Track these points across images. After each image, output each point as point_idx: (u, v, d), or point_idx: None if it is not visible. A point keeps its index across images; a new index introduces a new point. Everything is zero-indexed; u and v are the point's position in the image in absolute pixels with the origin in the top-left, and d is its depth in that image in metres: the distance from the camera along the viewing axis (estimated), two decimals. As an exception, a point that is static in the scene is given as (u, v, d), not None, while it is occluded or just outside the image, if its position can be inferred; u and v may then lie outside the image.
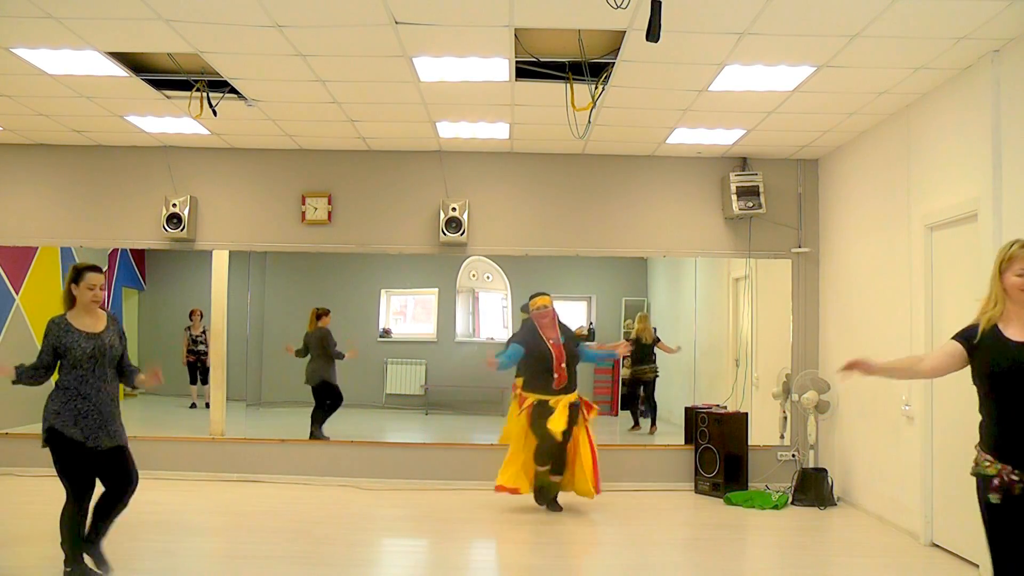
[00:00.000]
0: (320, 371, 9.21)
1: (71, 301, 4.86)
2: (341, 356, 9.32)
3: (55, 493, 7.23)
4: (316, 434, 8.93)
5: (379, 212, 8.40)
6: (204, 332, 11.23)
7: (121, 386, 5.08)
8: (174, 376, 11.49)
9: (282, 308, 11.71)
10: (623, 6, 4.41)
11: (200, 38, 5.38)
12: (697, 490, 7.97)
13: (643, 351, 9.80)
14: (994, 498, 3.33)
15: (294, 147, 8.34)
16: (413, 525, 6.72)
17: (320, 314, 9.37)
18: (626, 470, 8.19)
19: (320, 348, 9.23)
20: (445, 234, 8.18)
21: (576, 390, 7.10)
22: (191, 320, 11.32)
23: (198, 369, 11.29)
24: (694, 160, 8.37)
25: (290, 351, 9.58)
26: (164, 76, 6.25)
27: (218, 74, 6.12)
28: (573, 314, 12.00)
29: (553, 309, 7.14)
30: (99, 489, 4.88)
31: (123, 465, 4.91)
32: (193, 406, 11.25)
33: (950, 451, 5.78)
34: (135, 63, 6.05)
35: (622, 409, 10.99)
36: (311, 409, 9.20)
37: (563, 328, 7.20)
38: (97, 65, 5.92)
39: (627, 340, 7.13)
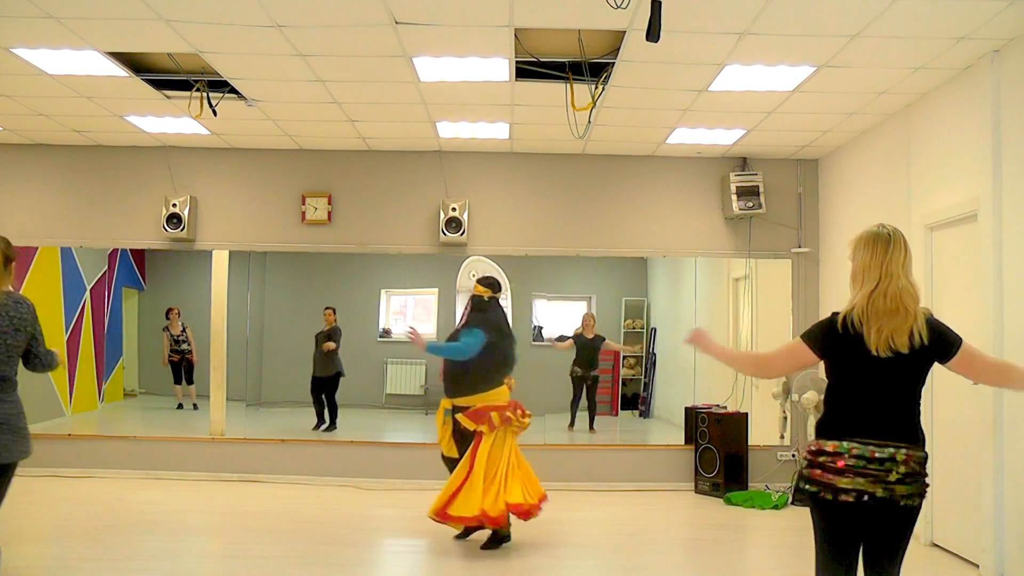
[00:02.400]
0: (340, 361, 10.03)
1: None
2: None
3: (55, 493, 7.26)
4: (332, 427, 9.54)
5: (379, 212, 8.40)
6: (184, 330, 11.21)
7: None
8: (162, 377, 11.50)
9: (282, 308, 11.72)
10: (623, 6, 4.41)
11: (200, 38, 5.38)
12: (697, 490, 7.97)
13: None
14: None
15: (294, 147, 8.34)
16: (413, 525, 6.70)
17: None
18: (626, 470, 8.20)
19: (338, 342, 10.02)
20: (445, 234, 8.18)
21: (453, 394, 5.91)
22: (168, 319, 11.27)
23: (183, 368, 11.25)
24: (694, 160, 8.37)
25: (333, 348, 10.04)
26: (164, 76, 6.25)
27: (218, 74, 6.12)
28: (573, 314, 12.01)
29: (469, 297, 6.07)
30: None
31: None
32: (180, 407, 11.22)
33: (949, 451, 5.78)
34: (135, 63, 6.05)
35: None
36: (309, 407, 9.33)
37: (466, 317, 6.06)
38: (97, 65, 5.92)
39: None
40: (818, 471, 3.12)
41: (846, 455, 3.07)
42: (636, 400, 11.80)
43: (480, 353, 5.75)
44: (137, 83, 6.32)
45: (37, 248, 8.96)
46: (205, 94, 6.44)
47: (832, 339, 3.16)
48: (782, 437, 8.19)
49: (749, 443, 7.89)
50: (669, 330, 11.23)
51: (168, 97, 6.65)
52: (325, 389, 9.87)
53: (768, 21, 4.90)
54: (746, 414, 7.98)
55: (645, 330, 11.97)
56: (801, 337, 3.28)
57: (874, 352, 3.07)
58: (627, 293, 12.07)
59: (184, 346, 11.25)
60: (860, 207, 7.43)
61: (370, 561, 5.85)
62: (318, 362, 10.01)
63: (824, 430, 3.18)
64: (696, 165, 8.38)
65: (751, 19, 4.89)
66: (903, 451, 3.06)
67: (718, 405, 8.28)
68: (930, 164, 6.16)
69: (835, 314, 3.24)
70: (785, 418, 8.17)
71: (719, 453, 7.80)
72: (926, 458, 3.15)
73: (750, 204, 8.04)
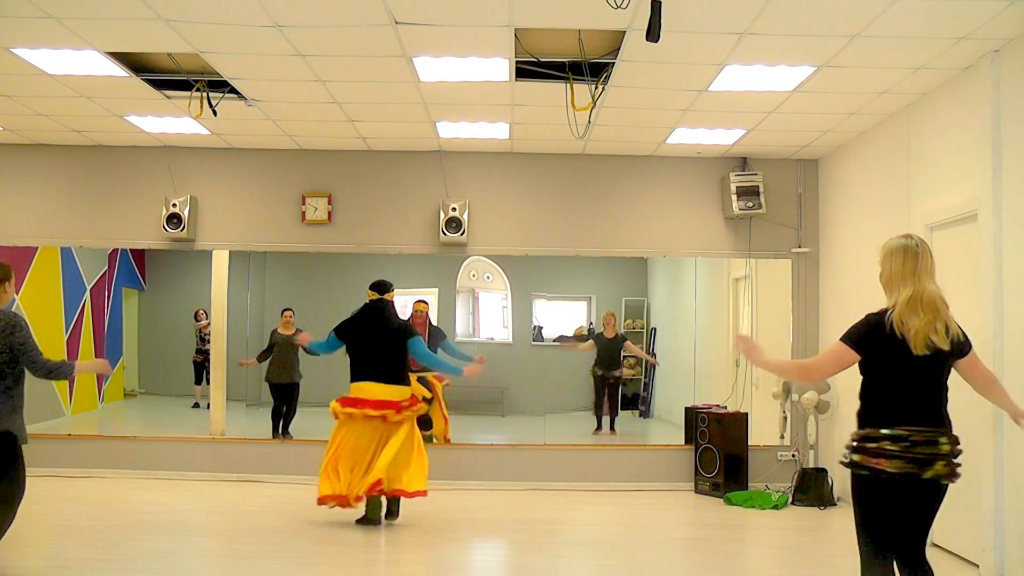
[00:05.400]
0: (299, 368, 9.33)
1: None
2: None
3: (55, 493, 7.26)
4: (287, 435, 8.98)
5: (379, 212, 8.40)
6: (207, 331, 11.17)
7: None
8: (178, 375, 11.49)
9: (282, 308, 11.71)
10: (623, 6, 4.41)
11: (200, 38, 5.38)
12: (697, 490, 7.97)
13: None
14: None
15: (294, 147, 8.34)
16: (412, 525, 6.70)
17: None
18: (626, 470, 8.20)
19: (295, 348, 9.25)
20: (445, 234, 8.18)
21: None
22: (196, 320, 11.28)
23: (205, 369, 11.21)
24: (694, 160, 8.37)
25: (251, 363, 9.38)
26: (164, 76, 6.25)
27: (218, 74, 6.12)
28: (573, 314, 12.01)
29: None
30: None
31: None
32: (196, 406, 11.20)
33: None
34: (135, 63, 6.05)
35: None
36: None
37: None
38: (97, 65, 5.93)
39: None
40: (864, 456, 3.50)
41: (892, 440, 3.43)
42: (636, 400, 11.79)
43: (347, 352, 6.53)
44: (137, 83, 6.32)
45: (37, 248, 8.96)
46: (205, 94, 6.44)
47: (875, 339, 3.49)
48: (782, 437, 8.19)
49: (749, 443, 7.89)
50: (669, 330, 11.22)
51: (168, 97, 6.65)
52: (288, 398, 9.22)
53: (768, 21, 4.90)
54: (746, 414, 7.98)
55: (645, 330, 11.97)
56: (842, 341, 3.57)
57: (914, 352, 3.44)
58: (627, 293, 12.06)
59: (207, 346, 11.21)
60: (860, 207, 7.43)
61: (370, 561, 5.85)
62: (279, 369, 9.26)
63: (868, 419, 3.54)
64: (696, 165, 8.38)
65: (751, 19, 4.89)
66: (941, 436, 3.45)
67: (718, 405, 8.28)
68: (930, 164, 6.16)
69: (871, 315, 3.56)
70: (785, 418, 8.17)
71: (719, 453, 7.80)
72: (958, 440, 3.52)
73: (750, 204, 8.04)
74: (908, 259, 3.56)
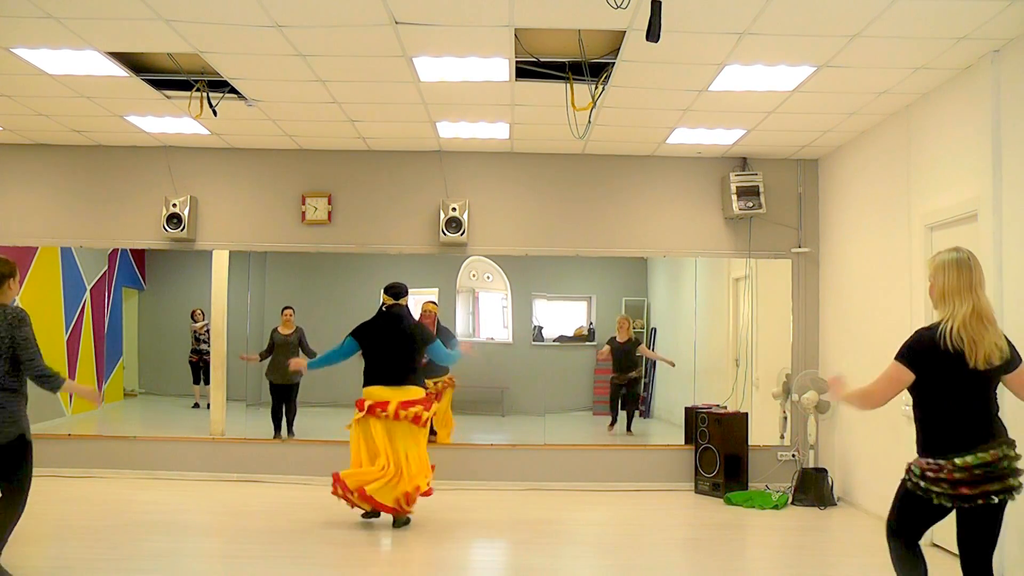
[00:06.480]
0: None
1: None
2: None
3: (55, 493, 7.25)
4: (291, 433, 8.98)
5: (379, 212, 8.40)
6: (205, 331, 11.16)
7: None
8: (178, 375, 11.49)
9: (282, 308, 11.71)
10: (623, 6, 4.41)
11: (200, 38, 5.38)
12: (697, 490, 7.98)
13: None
14: None
15: (294, 147, 8.34)
16: (413, 525, 6.71)
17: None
18: (626, 470, 8.20)
19: (296, 347, 9.22)
20: (445, 234, 8.18)
21: None
22: (193, 320, 11.28)
23: (201, 369, 11.21)
24: (694, 160, 8.37)
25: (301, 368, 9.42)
26: (164, 76, 6.25)
27: (218, 74, 6.12)
28: (573, 314, 12.01)
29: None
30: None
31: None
32: (196, 406, 11.20)
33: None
34: (135, 63, 6.06)
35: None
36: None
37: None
38: (97, 65, 5.93)
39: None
40: (944, 485, 3.49)
41: (972, 469, 3.45)
42: (636, 400, 11.78)
43: (362, 356, 6.54)
44: (137, 83, 6.32)
45: (37, 248, 8.96)
46: (205, 94, 6.44)
47: (932, 356, 3.50)
48: (782, 437, 8.19)
49: (749, 443, 7.89)
50: (669, 330, 11.22)
51: (168, 97, 6.65)
52: (287, 397, 9.14)
53: (768, 21, 4.90)
54: (746, 414, 7.99)
55: (645, 330, 11.97)
56: (898, 361, 3.57)
57: (972, 366, 3.46)
58: (627, 293, 12.06)
59: (204, 347, 11.20)
60: (860, 207, 7.43)
61: (369, 561, 5.85)
62: (277, 369, 9.06)
63: (939, 447, 3.52)
64: (696, 165, 8.38)
65: (751, 19, 4.89)
66: (999, 450, 3.48)
67: (718, 405, 8.29)
68: (930, 164, 6.16)
69: (923, 331, 3.59)
70: (785, 418, 8.17)
71: (719, 453, 7.80)
72: (1014, 449, 3.55)
73: (750, 204, 8.05)
74: (963, 272, 3.55)
